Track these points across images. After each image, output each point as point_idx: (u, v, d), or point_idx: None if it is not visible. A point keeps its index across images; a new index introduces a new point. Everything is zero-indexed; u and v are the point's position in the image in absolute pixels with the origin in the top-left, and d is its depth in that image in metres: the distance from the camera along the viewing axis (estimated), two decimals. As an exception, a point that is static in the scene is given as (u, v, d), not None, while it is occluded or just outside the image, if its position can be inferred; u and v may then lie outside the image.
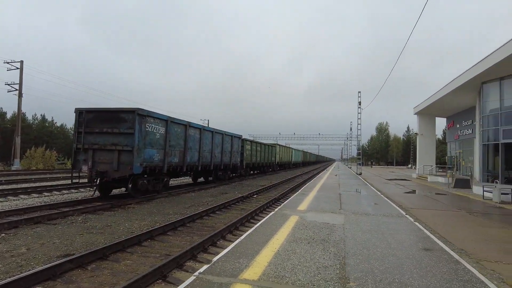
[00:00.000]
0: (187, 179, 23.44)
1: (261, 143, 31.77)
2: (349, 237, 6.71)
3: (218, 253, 5.61)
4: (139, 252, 6.32)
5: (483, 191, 14.53)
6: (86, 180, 12.48)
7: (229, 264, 4.80)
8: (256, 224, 8.02)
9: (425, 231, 7.47)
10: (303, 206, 10.84)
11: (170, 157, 14.19)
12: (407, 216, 9.47)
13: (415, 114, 34.20)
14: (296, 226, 7.58)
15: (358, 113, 38.18)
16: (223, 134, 20.53)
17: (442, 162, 39.77)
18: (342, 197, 13.74)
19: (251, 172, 31.23)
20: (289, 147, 50.03)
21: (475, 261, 5.40)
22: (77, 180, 12.50)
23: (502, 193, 12.78)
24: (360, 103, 37.95)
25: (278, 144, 41.26)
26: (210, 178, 21.43)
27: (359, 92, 37.76)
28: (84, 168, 11.92)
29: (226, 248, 5.88)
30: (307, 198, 12.88)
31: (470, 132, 25.88)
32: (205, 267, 4.69)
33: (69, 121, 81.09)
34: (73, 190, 15.08)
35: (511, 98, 17.99)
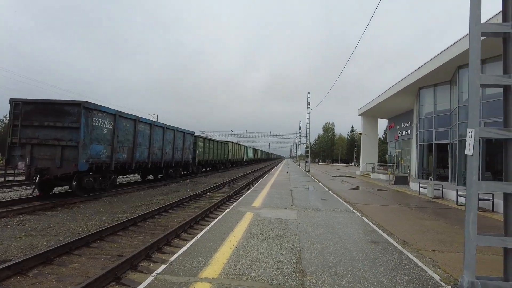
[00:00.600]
0: (136, 177, 22.48)
1: (214, 140, 31.50)
2: (302, 232, 6.96)
3: (174, 253, 5.49)
4: (88, 254, 5.94)
5: (419, 187, 15.96)
6: (23, 178, 11.36)
7: (187, 263, 4.72)
8: (211, 222, 7.97)
9: (372, 225, 8.01)
10: (257, 202, 10.99)
11: (118, 154, 13.49)
12: (354, 211, 10.06)
13: (360, 115, 36.42)
14: (252, 223, 7.67)
15: (307, 112, 39.60)
16: (175, 130, 20.00)
17: (383, 160, 42.84)
18: (293, 193, 14.17)
19: (203, 169, 30.86)
20: (242, 145, 50.26)
21: (416, 250, 5.93)
22: (12, 178, 11.33)
23: (434, 189, 14.15)
24: (309, 103, 39.37)
25: (230, 142, 41.24)
26: (160, 176, 20.78)
27: (309, 93, 39.13)
28: (21, 164, 10.86)
29: (182, 247, 5.77)
30: (260, 195, 13.08)
31: (408, 133, 28.22)
32: (162, 267, 4.56)
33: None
34: (5, 189, 13.65)
35: (443, 103, 19.95)
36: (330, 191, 15.78)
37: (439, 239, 6.86)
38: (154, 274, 4.31)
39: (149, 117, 43.65)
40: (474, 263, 3.71)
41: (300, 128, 69.80)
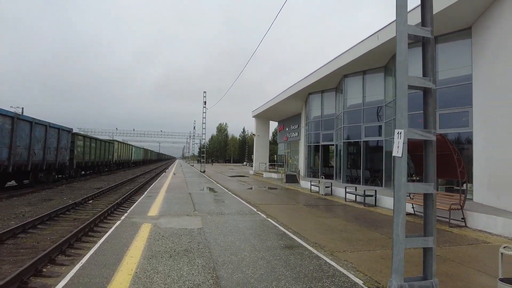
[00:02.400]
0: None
1: (96, 139, 27.68)
2: (212, 242, 6.20)
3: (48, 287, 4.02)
4: None
5: (311, 185, 17.02)
6: None
7: (68, 307, 3.42)
8: (100, 238, 6.46)
9: (280, 227, 7.80)
10: (154, 210, 9.68)
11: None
12: (259, 213, 9.80)
13: (254, 117, 37.57)
14: (151, 237, 6.50)
15: (203, 112, 38.83)
16: (46, 125, 16.55)
17: (272, 160, 45.27)
18: (193, 197, 13.24)
19: (83, 172, 26.80)
20: (129, 144, 46.00)
21: (330, 253, 5.85)
22: None
23: (325, 187, 15.24)
24: (205, 102, 38.67)
25: (116, 141, 37.16)
26: (26, 181, 16.91)
27: (204, 92, 38.46)
28: None
29: (61, 277, 4.31)
30: (156, 201, 11.71)
31: (296, 135, 30.29)
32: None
33: None
34: None
35: (329, 108, 21.91)
36: (230, 192, 15.40)
37: (345, 238, 7.04)
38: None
39: (12, 110, 35.82)
40: (403, 266, 3.61)
41: (194, 128, 68.44)
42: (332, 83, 20.45)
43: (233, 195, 14.28)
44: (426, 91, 3.98)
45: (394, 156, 3.85)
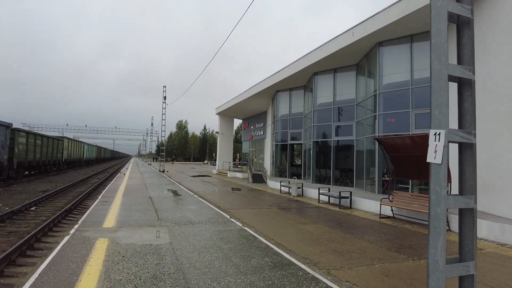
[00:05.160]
0: None
1: (42, 135, 24.84)
2: (185, 264, 5.12)
3: None
4: None
5: (280, 186, 16.32)
6: None
7: None
8: (42, 262, 5.09)
9: (261, 239, 6.89)
10: (110, 220, 8.31)
11: None
12: (233, 220, 8.83)
13: (217, 114, 36.30)
14: (109, 258, 5.26)
15: (163, 108, 36.80)
16: (-22, 120, 14.13)
17: (235, 158, 44.33)
18: (154, 201, 11.91)
19: (27, 173, 23.89)
20: (81, 142, 42.45)
21: (327, 272, 5.03)
22: None
23: (297, 188, 14.61)
24: (165, 98, 36.68)
25: (66, 137, 33.91)
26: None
27: (164, 86, 36.48)
28: None
29: None
30: (113, 207, 10.26)
31: (262, 133, 29.62)
32: None
33: None
34: None
35: (297, 106, 21.42)
36: (196, 195, 14.21)
37: (335, 250, 6.29)
38: None
39: None
40: (444, 304, 2.85)
41: (152, 124, 65.38)
42: (302, 81, 19.95)
43: (200, 199, 13.13)
44: (463, 83, 3.26)
45: (430, 163, 3.08)
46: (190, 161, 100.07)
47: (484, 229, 7.74)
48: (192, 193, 15.04)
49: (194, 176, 28.43)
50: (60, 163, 30.56)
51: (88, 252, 5.54)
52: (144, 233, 7.08)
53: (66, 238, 6.45)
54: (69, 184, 18.68)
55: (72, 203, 11.75)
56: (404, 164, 9.91)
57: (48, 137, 26.35)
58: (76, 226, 7.51)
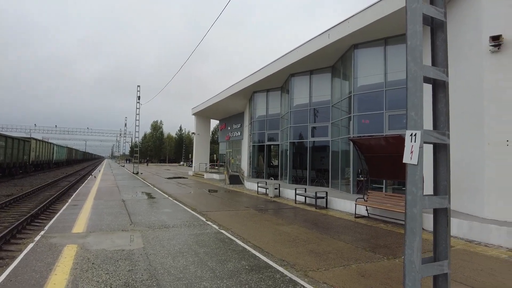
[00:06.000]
0: None
1: (6, 136, 23.50)
2: (159, 270, 4.94)
3: None
4: None
5: (258, 187, 16.27)
6: None
7: None
8: (1, 273, 4.73)
9: (238, 241, 6.78)
10: (80, 225, 7.93)
11: None
12: (208, 223, 8.66)
13: (194, 114, 35.79)
14: (77, 266, 4.98)
15: (137, 108, 35.89)
16: None
17: (213, 160, 43.91)
18: (127, 205, 11.51)
19: (-12, 176, 22.49)
20: (50, 143, 40.57)
21: (303, 274, 5.00)
22: None
23: (274, 188, 14.60)
24: (139, 97, 35.81)
25: (33, 138, 32.28)
26: None
27: (138, 86, 35.61)
28: None
29: None
30: (83, 211, 9.82)
31: (239, 134, 29.49)
32: None
33: None
34: None
35: (274, 108, 21.47)
36: (171, 198, 13.90)
37: (312, 251, 6.28)
38: None
39: None
40: (419, 302, 2.87)
41: (125, 125, 63.66)
42: (279, 82, 20.02)
43: (175, 201, 12.84)
44: (437, 85, 3.31)
45: (406, 164, 3.10)
46: (166, 163, 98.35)
47: (454, 227, 8.01)
48: (167, 196, 14.70)
49: (169, 178, 27.89)
50: (27, 165, 29.05)
51: (55, 260, 5.22)
52: (116, 238, 6.79)
53: (31, 245, 6.07)
54: (37, 187, 17.75)
55: (39, 207, 11.14)
56: (379, 164, 10.11)
57: (13, 138, 24.97)
58: (42, 233, 7.09)
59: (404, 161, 3.13)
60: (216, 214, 10.33)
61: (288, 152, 18.48)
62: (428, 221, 8.44)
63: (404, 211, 7.92)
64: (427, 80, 3.24)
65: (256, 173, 23.58)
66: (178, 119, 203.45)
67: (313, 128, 17.03)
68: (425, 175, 9.12)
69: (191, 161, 50.25)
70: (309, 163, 17.20)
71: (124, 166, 58.46)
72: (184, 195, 15.49)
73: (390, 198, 9.64)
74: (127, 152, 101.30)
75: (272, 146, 23.22)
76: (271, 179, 17.22)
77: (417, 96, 3.03)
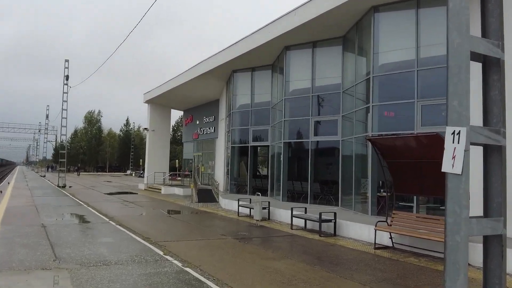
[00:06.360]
0: None
1: None
2: (97, 324, 4.87)
3: None
4: None
5: (239, 206, 16.30)
6: None
7: None
8: None
9: (210, 284, 6.78)
10: (-21, 262, 7.75)
11: None
12: (168, 258, 8.66)
13: (146, 102, 35.49)
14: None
15: (64, 92, 35.34)
16: None
17: (174, 168, 43.64)
18: (50, 232, 11.40)
19: None
20: None
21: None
22: None
23: (263, 208, 14.66)
24: (67, 77, 35.21)
25: None
26: None
27: (67, 61, 35.07)
28: None
29: None
30: (-17, 243, 9.62)
31: (213, 131, 29.49)
32: None
33: None
34: None
35: (262, 94, 21.59)
36: (112, 222, 13.81)
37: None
38: None
39: None
40: None
41: (47, 117, 62.51)
42: (269, 57, 20.12)
43: (120, 227, 12.76)
44: (489, 64, 3.40)
45: (446, 174, 3.16)
46: (105, 171, 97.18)
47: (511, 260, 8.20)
48: (107, 219, 14.58)
49: (110, 194, 27.75)
50: None
51: None
52: (33, 279, 6.70)
53: None
54: None
55: None
56: (407, 174, 10.29)
57: None
58: None
59: (443, 170, 3.19)
60: (178, 245, 10.33)
61: (281, 156, 18.57)
62: (476, 253, 8.61)
63: (443, 239, 8.16)
64: (475, 57, 3.31)
65: (237, 187, 23.62)
66: (125, 110, 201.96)
67: (317, 123, 17.18)
68: (472, 190, 9.32)
69: (143, 170, 49.88)
70: (311, 172, 17.33)
71: (45, 176, 57.51)
72: (132, 218, 15.44)
73: (423, 221, 9.83)
74: (49, 156, 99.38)
75: (259, 148, 23.33)
76: (258, 194, 17.19)
77: (461, 79, 3.09)
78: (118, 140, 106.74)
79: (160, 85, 31.62)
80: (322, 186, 17.44)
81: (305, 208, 14.11)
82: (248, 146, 22.30)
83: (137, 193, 28.86)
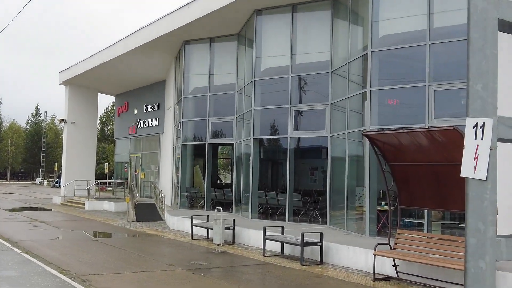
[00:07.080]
0: None
1: None
2: None
3: None
4: None
5: (192, 225, 16.26)
6: None
7: None
8: None
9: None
10: None
11: None
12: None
13: (64, 84, 34.83)
14: None
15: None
16: None
17: (103, 174, 43.10)
18: None
19: None
20: None
21: None
22: None
23: (225, 228, 14.67)
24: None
25: None
26: None
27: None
28: None
29: None
30: None
31: (156, 123, 29.28)
32: None
33: None
34: None
35: (225, 74, 21.61)
36: (17, 249, 13.72)
37: None
38: None
39: None
40: None
41: None
42: (234, 24, 20.17)
43: (27, 256, 12.68)
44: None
45: (467, 180, 3.27)
46: (6, 179, 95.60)
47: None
48: (9, 245, 14.40)
49: (14, 211, 27.49)
50: None
51: None
52: None
53: None
54: None
55: None
56: (416, 180, 10.48)
57: None
58: None
59: (462, 175, 3.31)
60: (109, 279, 10.32)
61: (251, 159, 18.60)
62: (507, 284, 8.87)
63: (463, 267, 8.46)
64: (504, 27, 3.45)
65: (189, 200, 23.60)
66: (34, 94, 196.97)
67: (298, 113, 17.32)
68: (499, 199, 9.71)
69: (59, 177, 49.07)
70: (290, 179, 17.43)
71: None
72: (45, 243, 15.33)
73: (437, 243, 10.06)
74: None
75: (220, 147, 23.32)
76: (219, 210, 17.18)
77: (486, 56, 3.21)
78: (24, 136, 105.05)
79: (84, 59, 31.19)
80: (304, 198, 17.61)
81: (282, 228, 14.22)
82: (205, 144, 22.26)
83: (51, 209, 28.50)
